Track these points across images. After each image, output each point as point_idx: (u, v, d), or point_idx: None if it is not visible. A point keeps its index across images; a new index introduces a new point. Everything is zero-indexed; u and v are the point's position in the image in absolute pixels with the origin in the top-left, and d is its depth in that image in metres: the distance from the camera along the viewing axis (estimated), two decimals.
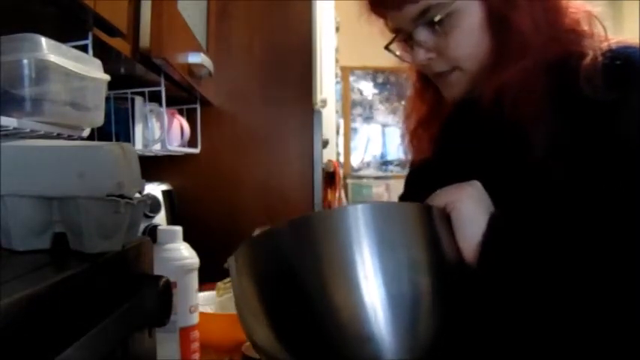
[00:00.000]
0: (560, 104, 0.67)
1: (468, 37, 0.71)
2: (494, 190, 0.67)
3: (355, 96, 5.25)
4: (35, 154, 0.53)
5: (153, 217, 1.30)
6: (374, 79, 5.25)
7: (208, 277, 1.14)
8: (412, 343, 0.56)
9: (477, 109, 0.73)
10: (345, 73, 4.73)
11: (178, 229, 0.97)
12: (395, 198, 0.91)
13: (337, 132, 2.79)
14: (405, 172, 0.92)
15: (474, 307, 0.62)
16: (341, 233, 0.57)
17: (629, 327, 0.61)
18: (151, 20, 0.86)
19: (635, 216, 0.61)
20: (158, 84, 1.09)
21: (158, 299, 0.62)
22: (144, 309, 0.59)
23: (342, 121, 3.54)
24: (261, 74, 1.60)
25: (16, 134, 0.60)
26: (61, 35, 0.63)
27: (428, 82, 0.81)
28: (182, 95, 1.35)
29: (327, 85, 2.04)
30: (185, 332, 0.94)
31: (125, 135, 1.14)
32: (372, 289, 0.55)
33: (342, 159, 3.77)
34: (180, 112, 1.45)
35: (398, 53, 0.79)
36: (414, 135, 0.86)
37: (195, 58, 1.11)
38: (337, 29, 2.59)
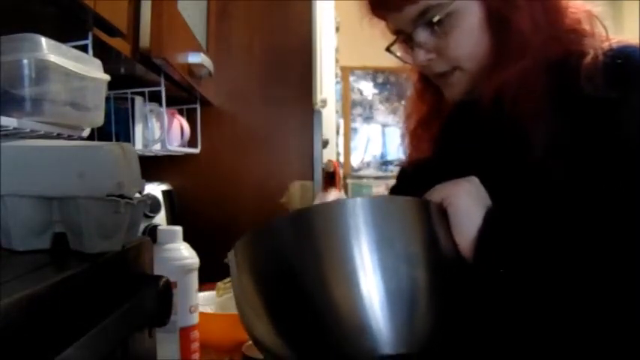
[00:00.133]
0: (560, 103, 0.67)
1: (468, 37, 0.71)
2: (495, 189, 0.67)
3: (355, 96, 5.25)
4: (35, 154, 0.53)
5: (153, 217, 1.30)
6: (374, 79, 5.25)
7: (208, 277, 1.14)
8: (410, 337, 0.56)
9: (477, 109, 0.73)
10: (345, 73, 4.73)
11: (178, 229, 0.97)
12: None
13: (337, 132, 2.79)
14: None
15: (471, 301, 0.63)
16: (339, 226, 0.57)
17: (625, 324, 0.61)
18: (151, 20, 0.86)
19: (635, 215, 0.61)
20: (158, 84, 1.09)
21: (158, 299, 0.62)
22: (144, 309, 0.59)
23: (342, 121, 3.54)
24: (261, 74, 1.60)
25: (16, 134, 0.60)
26: (61, 35, 0.63)
27: (429, 83, 0.82)
28: (182, 95, 1.35)
29: (327, 85, 2.04)
30: (185, 332, 0.94)
31: (125, 135, 1.14)
32: (370, 282, 0.56)
33: (342, 159, 3.77)
34: (180, 112, 1.45)
35: (399, 54, 0.79)
36: (414, 135, 0.86)
37: (195, 58, 1.11)
38: (337, 29, 2.59)
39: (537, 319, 0.66)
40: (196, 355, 0.97)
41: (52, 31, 0.62)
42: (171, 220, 1.44)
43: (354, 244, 0.56)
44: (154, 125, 1.23)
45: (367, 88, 5.27)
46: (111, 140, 1.10)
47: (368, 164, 5.21)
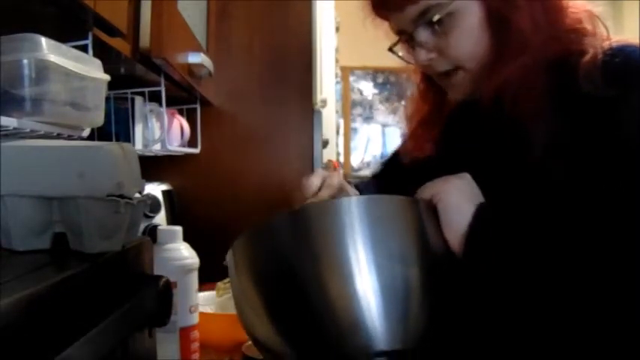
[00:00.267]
0: (560, 102, 0.67)
1: (468, 37, 0.71)
2: (495, 188, 0.68)
3: (355, 96, 5.25)
4: (35, 154, 0.53)
5: (153, 217, 1.30)
6: (374, 79, 5.25)
7: (208, 277, 1.14)
8: (404, 334, 0.57)
9: (477, 109, 0.73)
10: (345, 73, 4.73)
11: (178, 229, 0.97)
12: None
13: (337, 132, 2.79)
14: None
15: (463, 297, 0.64)
16: (335, 225, 0.59)
17: (618, 323, 0.61)
18: (151, 20, 0.86)
19: (634, 214, 0.61)
20: (158, 84, 1.09)
21: (158, 299, 0.62)
22: (144, 309, 0.59)
23: (342, 121, 3.54)
24: (261, 74, 1.60)
25: (16, 134, 0.60)
26: (61, 35, 0.63)
27: (431, 83, 0.82)
28: (182, 95, 1.35)
29: (327, 85, 2.04)
30: (185, 332, 0.94)
31: (125, 135, 1.14)
32: (365, 281, 0.57)
33: (342, 159, 3.77)
34: (180, 112, 1.45)
35: (400, 54, 0.79)
36: (415, 135, 0.87)
37: (195, 58, 1.11)
38: (337, 29, 2.59)
39: (526, 315, 0.66)
40: (196, 355, 0.97)
41: (52, 31, 0.62)
42: (172, 220, 1.44)
43: (350, 243, 0.57)
44: (154, 125, 1.23)
45: (367, 88, 5.27)
46: (111, 140, 1.10)
47: (368, 164, 5.21)
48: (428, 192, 0.66)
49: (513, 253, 0.63)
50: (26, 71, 0.58)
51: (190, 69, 1.12)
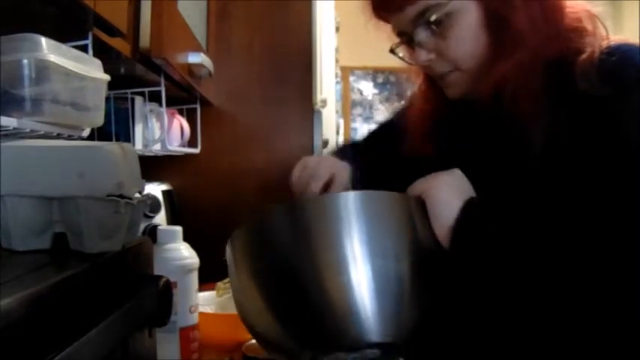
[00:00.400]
0: (557, 101, 0.68)
1: (466, 37, 0.72)
2: (492, 186, 0.68)
3: (355, 96, 5.25)
4: (35, 154, 0.53)
5: (153, 217, 1.30)
6: (374, 79, 5.25)
7: (208, 277, 1.14)
8: (396, 327, 0.59)
9: (476, 108, 0.74)
10: (345, 73, 4.73)
11: (178, 229, 0.97)
12: None
13: (337, 132, 2.79)
14: None
15: (455, 291, 0.65)
16: (332, 219, 0.60)
17: (601, 315, 0.62)
18: (151, 20, 0.86)
19: (633, 213, 0.61)
20: (158, 84, 1.09)
21: (158, 299, 0.62)
22: (144, 309, 0.59)
23: (342, 121, 3.54)
24: (261, 74, 1.60)
25: (16, 134, 0.60)
26: (61, 35, 0.63)
27: (433, 84, 0.82)
28: (182, 95, 1.35)
29: (327, 85, 2.04)
30: (185, 332, 0.94)
31: (125, 135, 1.14)
32: (361, 274, 0.58)
33: None
34: (180, 112, 1.45)
35: (401, 55, 0.80)
36: (415, 135, 0.87)
37: (195, 58, 1.11)
38: (337, 29, 2.59)
39: (513, 308, 0.67)
40: (196, 355, 0.97)
41: (52, 31, 0.62)
42: (172, 220, 1.44)
43: (346, 237, 0.59)
44: (154, 125, 1.23)
45: (367, 88, 5.27)
46: (111, 140, 1.10)
47: None
48: (418, 188, 0.67)
49: (499, 248, 0.64)
50: (26, 71, 0.58)
51: (190, 69, 1.12)
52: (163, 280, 0.63)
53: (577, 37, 0.70)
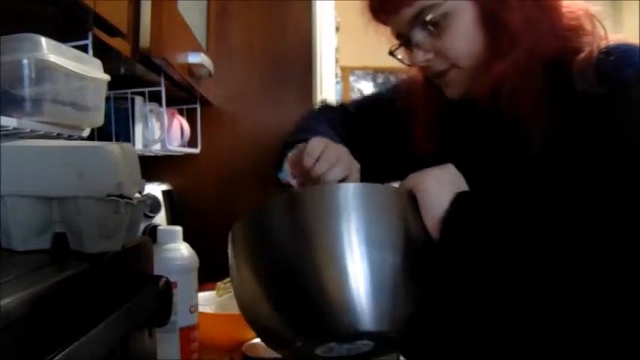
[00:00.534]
0: (556, 100, 0.68)
1: (462, 36, 0.72)
2: (491, 185, 0.68)
3: (355, 96, 5.24)
4: (35, 154, 0.53)
5: (153, 217, 1.30)
6: (374, 79, 5.25)
7: (208, 277, 1.14)
8: (390, 318, 0.60)
9: (474, 107, 0.74)
10: (345, 73, 4.73)
11: (178, 229, 0.97)
12: None
13: None
14: None
15: (448, 284, 0.66)
16: (329, 211, 0.61)
17: (595, 314, 0.63)
18: (151, 20, 0.86)
19: (631, 211, 0.61)
20: (158, 84, 1.09)
21: (158, 299, 0.62)
22: (144, 309, 0.59)
23: None
24: (261, 74, 1.60)
25: (16, 134, 0.60)
26: (61, 35, 0.63)
27: (432, 84, 0.82)
28: (182, 95, 1.35)
29: (327, 85, 2.04)
30: (185, 332, 0.94)
31: (125, 135, 1.14)
32: (356, 263, 0.59)
33: None
34: (180, 112, 1.45)
35: (400, 57, 0.80)
36: (416, 134, 0.87)
37: (195, 58, 1.11)
38: (337, 29, 2.59)
39: (503, 301, 0.68)
40: (196, 355, 0.97)
41: (52, 31, 0.62)
42: (172, 220, 1.44)
43: (343, 228, 0.60)
44: (154, 125, 1.23)
45: (367, 88, 5.26)
46: (111, 140, 1.10)
47: None
48: (411, 182, 0.68)
49: (489, 240, 0.64)
50: (26, 71, 0.58)
51: (190, 69, 1.12)
52: (163, 280, 0.63)
53: (575, 36, 0.71)
